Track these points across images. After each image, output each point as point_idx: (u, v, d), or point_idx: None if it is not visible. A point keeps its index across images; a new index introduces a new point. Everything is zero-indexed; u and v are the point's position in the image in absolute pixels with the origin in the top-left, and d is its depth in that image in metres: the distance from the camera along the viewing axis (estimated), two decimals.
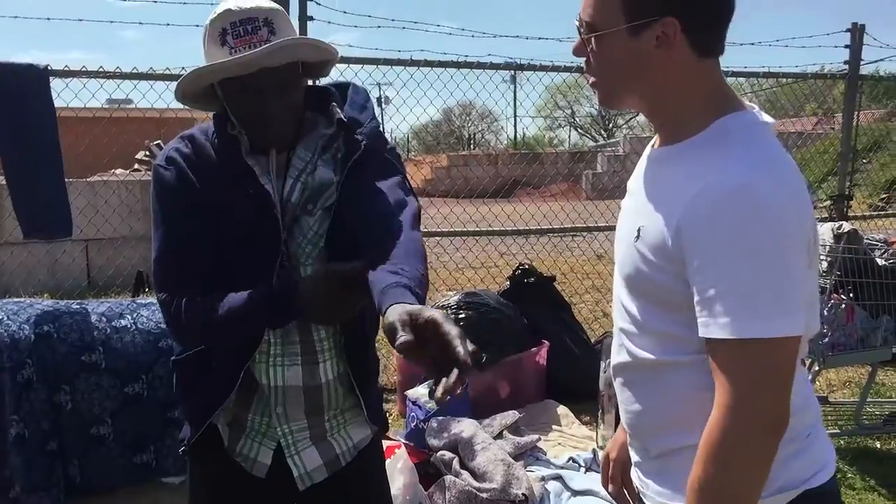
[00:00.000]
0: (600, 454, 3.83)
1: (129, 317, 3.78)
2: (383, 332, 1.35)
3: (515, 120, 31.23)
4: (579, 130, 39.23)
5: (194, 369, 1.79)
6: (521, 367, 4.55)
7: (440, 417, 3.76)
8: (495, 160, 25.01)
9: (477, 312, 4.45)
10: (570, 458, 3.75)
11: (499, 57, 5.11)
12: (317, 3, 4.33)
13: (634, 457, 1.53)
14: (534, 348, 4.62)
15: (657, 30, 1.31)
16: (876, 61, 14.88)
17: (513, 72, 5.84)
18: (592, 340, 5.11)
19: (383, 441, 2.08)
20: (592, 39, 1.37)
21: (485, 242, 7.65)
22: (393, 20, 4.62)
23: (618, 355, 1.48)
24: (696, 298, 1.25)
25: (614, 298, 1.50)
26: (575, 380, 4.59)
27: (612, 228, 5.26)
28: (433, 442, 3.64)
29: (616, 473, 1.72)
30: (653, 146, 1.47)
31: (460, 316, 4.43)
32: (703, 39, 1.33)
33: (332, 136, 1.72)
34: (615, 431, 3.80)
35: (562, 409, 4.44)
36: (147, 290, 4.83)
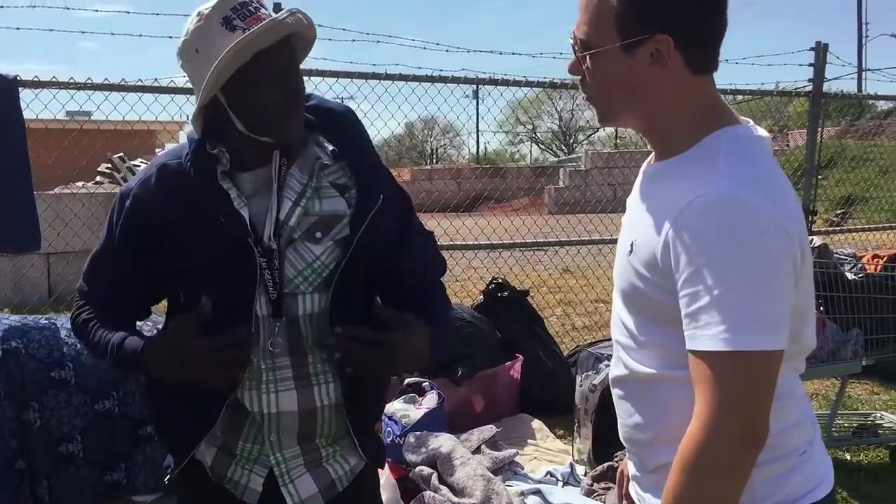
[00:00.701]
0: (577, 468, 3.84)
1: None
2: None
3: (478, 135, 31.36)
4: (541, 145, 39.55)
5: (170, 396, 1.73)
6: (496, 382, 4.55)
7: (417, 433, 3.74)
8: (458, 174, 25.09)
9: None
10: (548, 473, 3.76)
11: (468, 72, 5.08)
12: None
13: (632, 470, 1.53)
14: (508, 362, 4.63)
15: (651, 47, 1.32)
16: (836, 78, 15.27)
17: (475, 86, 5.84)
18: (565, 354, 5.13)
19: None
20: (587, 57, 1.37)
21: (454, 256, 7.62)
22: (368, 34, 4.62)
23: (616, 368, 1.49)
24: (682, 311, 1.26)
25: (613, 312, 1.50)
26: (549, 394, 4.60)
27: (580, 243, 5.30)
28: (411, 457, 3.62)
29: (630, 490, 1.71)
30: (649, 162, 1.48)
31: None
32: (696, 56, 1.35)
33: (328, 164, 1.68)
34: (591, 445, 3.83)
35: (536, 423, 4.45)
36: None
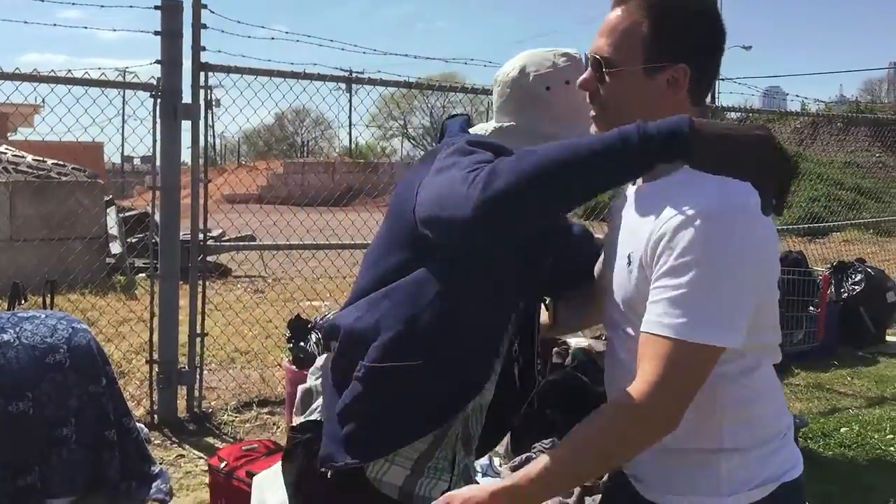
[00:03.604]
0: (496, 461, 4.00)
1: (11, 331, 3.56)
2: None
3: (351, 128, 31.18)
4: (412, 141, 39.78)
5: (413, 380, 1.56)
6: None
7: None
8: (332, 168, 24.96)
9: None
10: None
11: (340, 70, 4.99)
12: (210, 11, 4.27)
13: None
14: None
15: (669, 73, 1.49)
16: None
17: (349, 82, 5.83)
18: None
19: None
20: (609, 75, 1.51)
21: (335, 253, 7.57)
22: (239, 22, 4.61)
23: (613, 369, 1.63)
24: (649, 298, 1.41)
25: (606, 317, 1.65)
26: None
27: None
28: None
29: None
30: (635, 185, 1.63)
31: None
32: (698, 89, 1.53)
33: None
34: (510, 437, 4.00)
35: None
36: (24, 301, 4.52)
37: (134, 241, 9.42)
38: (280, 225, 6.41)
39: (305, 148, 37.16)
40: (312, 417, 1.68)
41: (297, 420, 1.75)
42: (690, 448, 1.48)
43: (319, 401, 1.69)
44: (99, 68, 4.34)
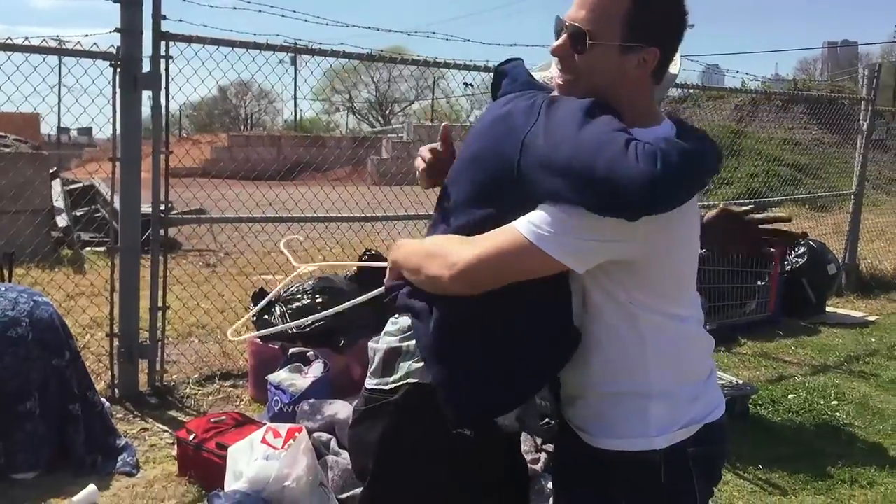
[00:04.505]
0: None
1: None
2: None
3: (296, 102, 30.80)
4: (357, 115, 39.49)
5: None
6: None
7: (311, 400, 3.83)
8: (278, 142, 24.67)
9: (332, 297, 4.54)
10: None
11: (286, 38, 4.65)
12: None
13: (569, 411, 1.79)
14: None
15: (642, 54, 1.60)
16: None
17: (293, 54, 5.65)
18: None
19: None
20: (588, 47, 1.59)
21: (285, 227, 7.42)
22: (249, 2, 4.52)
23: None
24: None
25: None
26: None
27: (421, 217, 5.31)
28: (307, 424, 3.69)
29: None
30: None
31: (317, 300, 4.50)
32: (660, 70, 1.65)
33: None
34: None
35: None
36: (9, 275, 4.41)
37: (79, 214, 9.21)
38: (228, 198, 6.29)
39: (249, 121, 36.59)
40: (410, 380, 1.76)
41: (373, 381, 1.83)
42: (624, 391, 1.65)
43: (409, 362, 1.77)
44: (42, 37, 4.12)
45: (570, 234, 1.50)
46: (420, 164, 2.02)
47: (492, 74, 1.94)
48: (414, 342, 1.76)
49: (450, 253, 1.61)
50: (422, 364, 1.74)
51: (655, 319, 1.63)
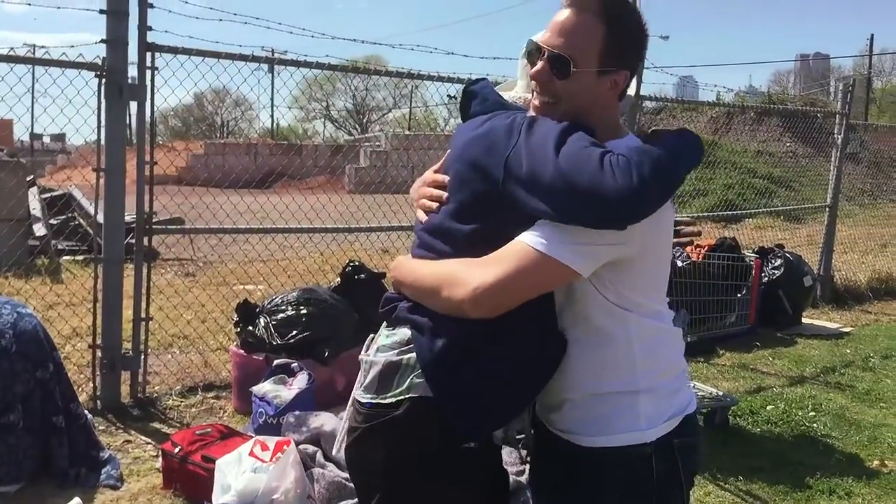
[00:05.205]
0: None
1: None
2: None
3: (273, 110, 30.72)
4: (335, 123, 39.44)
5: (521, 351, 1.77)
6: (357, 362, 4.69)
7: (297, 412, 3.83)
8: (254, 150, 24.58)
9: (317, 308, 4.55)
10: None
11: (264, 50, 4.71)
12: None
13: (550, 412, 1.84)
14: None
15: (614, 77, 1.74)
16: None
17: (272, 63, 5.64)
18: None
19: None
20: (566, 72, 1.70)
21: (265, 236, 7.32)
22: (235, 14, 4.54)
23: None
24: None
25: None
26: None
27: (400, 229, 5.32)
28: (293, 436, 3.70)
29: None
30: None
31: (301, 311, 4.50)
32: (624, 90, 1.79)
33: None
34: None
35: None
36: None
37: (55, 222, 9.13)
38: (203, 207, 6.18)
39: (225, 128, 36.43)
40: (412, 394, 1.76)
41: (368, 395, 1.82)
42: (613, 391, 1.73)
43: (411, 376, 1.76)
44: (12, 45, 4.11)
45: (576, 242, 1.58)
46: (422, 216, 1.90)
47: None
48: (413, 356, 1.76)
49: (469, 277, 1.63)
50: (423, 379, 1.75)
51: (642, 319, 1.72)
